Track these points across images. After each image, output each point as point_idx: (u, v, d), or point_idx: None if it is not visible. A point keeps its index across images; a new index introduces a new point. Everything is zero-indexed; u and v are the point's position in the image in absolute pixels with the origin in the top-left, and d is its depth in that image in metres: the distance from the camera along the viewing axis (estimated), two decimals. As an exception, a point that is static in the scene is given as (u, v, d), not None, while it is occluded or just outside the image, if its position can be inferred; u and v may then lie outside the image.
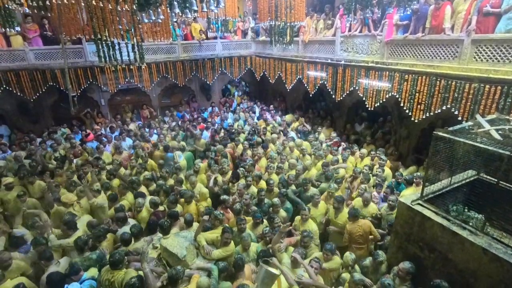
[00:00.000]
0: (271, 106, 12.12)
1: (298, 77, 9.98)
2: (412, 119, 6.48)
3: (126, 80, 10.77)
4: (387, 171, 6.43)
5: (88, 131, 9.47)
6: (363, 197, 5.20)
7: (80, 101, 9.86)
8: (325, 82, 8.82)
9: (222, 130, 9.45)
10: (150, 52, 10.80)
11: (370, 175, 6.28)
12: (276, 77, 11.31)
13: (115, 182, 6.20)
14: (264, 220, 4.81)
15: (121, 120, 10.88)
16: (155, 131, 9.55)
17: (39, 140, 8.94)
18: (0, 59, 9.04)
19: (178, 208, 5.18)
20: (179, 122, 10.37)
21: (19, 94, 9.50)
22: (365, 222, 4.70)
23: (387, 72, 6.79)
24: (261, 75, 12.47)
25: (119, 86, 10.97)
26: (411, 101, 6.40)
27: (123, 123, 10.47)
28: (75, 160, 7.36)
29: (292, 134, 8.93)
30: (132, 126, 10.10)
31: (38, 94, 9.75)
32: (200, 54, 11.91)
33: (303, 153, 7.25)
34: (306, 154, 7.21)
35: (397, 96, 6.73)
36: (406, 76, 6.38)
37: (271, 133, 8.73)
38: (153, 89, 11.75)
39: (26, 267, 3.93)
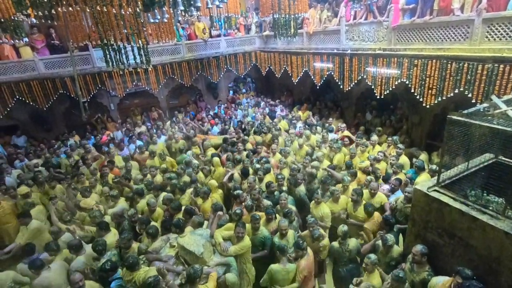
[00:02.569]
0: (277, 101, 12.09)
1: (304, 69, 9.89)
2: (424, 104, 6.34)
3: (134, 83, 10.92)
4: (404, 159, 6.30)
5: (103, 134, 9.67)
6: (370, 186, 5.11)
7: (90, 106, 10.02)
8: (332, 73, 8.71)
9: (232, 127, 9.46)
10: (156, 54, 10.89)
11: (384, 162, 6.21)
12: (282, 71, 11.24)
13: (126, 190, 6.25)
14: (277, 215, 4.83)
15: (131, 124, 11.02)
16: (163, 132, 9.60)
17: (56, 146, 9.19)
18: (11, 70, 9.27)
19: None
20: (186, 123, 10.45)
21: (31, 103, 9.73)
22: (378, 215, 4.68)
23: (396, 59, 6.65)
24: (266, 70, 12.41)
25: (127, 90, 11.10)
26: (422, 86, 6.26)
27: (133, 126, 10.61)
28: (92, 165, 7.49)
29: (299, 126, 8.86)
30: (142, 129, 10.21)
31: (50, 103, 9.97)
32: (204, 53, 11.93)
33: (318, 145, 7.22)
34: (321, 147, 7.17)
35: (407, 82, 6.59)
36: (416, 61, 6.23)
37: (269, 129, 8.63)
38: (160, 91, 11.85)
39: None
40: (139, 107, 12.33)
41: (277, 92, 13.96)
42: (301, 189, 5.55)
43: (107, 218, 5.06)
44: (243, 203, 4.84)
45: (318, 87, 9.96)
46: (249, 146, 7.79)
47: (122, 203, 5.66)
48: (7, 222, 5.61)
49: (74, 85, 9.48)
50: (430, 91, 6.12)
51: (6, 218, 5.63)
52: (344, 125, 8.41)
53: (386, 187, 5.52)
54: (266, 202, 5.03)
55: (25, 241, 4.85)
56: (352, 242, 4.23)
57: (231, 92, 14.41)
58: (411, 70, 6.37)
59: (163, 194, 5.54)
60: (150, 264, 3.76)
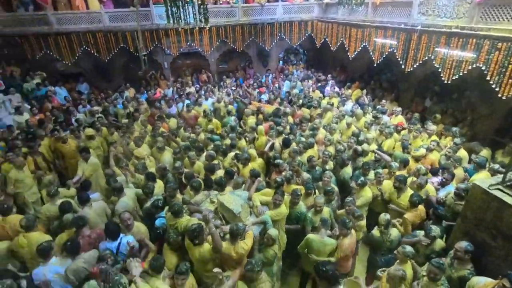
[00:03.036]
0: (329, 76, 11.55)
1: (364, 44, 9.20)
2: (500, 95, 5.60)
3: (188, 43, 11.12)
4: (463, 153, 5.75)
5: (157, 90, 10.19)
6: (417, 182, 4.78)
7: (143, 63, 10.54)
8: (395, 50, 7.99)
9: (279, 98, 9.34)
10: (211, 16, 10.82)
11: (437, 152, 5.77)
12: (338, 44, 10.59)
13: (173, 144, 6.64)
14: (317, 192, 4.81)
15: (181, 83, 11.39)
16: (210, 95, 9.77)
17: (113, 96, 9.91)
18: (80, 20, 9.92)
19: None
20: (233, 87, 10.50)
21: (95, 54, 10.44)
22: (422, 208, 4.42)
23: (474, 39, 5.86)
24: (321, 41, 11.78)
25: (181, 50, 11.37)
26: (502, 74, 5.49)
27: (183, 86, 10.97)
28: (141, 117, 7.99)
29: (350, 105, 8.44)
30: (191, 89, 10.51)
31: (111, 55, 10.60)
32: (260, 18, 11.60)
33: (366, 127, 6.89)
34: (371, 128, 6.84)
35: (483, 68, 5.83)
36: (499, 44, 5.42)
37: (319, 104, 8.34)
38: (212, 54, 11.95)
39: (146, 233, 4.07)
40: (190, 68, 12.63)
41: (329, 66, 13.30)
42: (347, 171, 5.40)
43: (153, 170, 5.47)
44: (283, 173, 4.87)
45: (375, 65, 9.26)
46: (290, 119, 7.69)
47: (168, 156, 6.06)
48: (72, 157, 6.36)
49: (134, 39, 9.92)
50: (510, 80, 5.36)
51: (72, 154, 6.39)
52: (399, 109, 7.80)
53: (435, 179, 5.16)
54: (306, 175, 5.01)
55: (88, 174, 5.53)
56: (394, 232, 4.05)
57: (281, 62, 14.06)
58: (492, 54, 5.59)
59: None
60: (191, 215, 4.03)
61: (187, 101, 9.15)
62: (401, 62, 7.88)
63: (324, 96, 9.86)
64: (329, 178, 4.86)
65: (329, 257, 3.94)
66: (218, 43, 11.57)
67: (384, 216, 4.04)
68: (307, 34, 12.32)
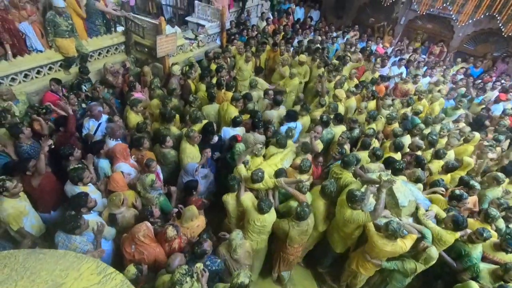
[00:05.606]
0: None
1: None
2: None
3: (444, 4, 9.28)
4: None
5: (381, 44, 9.73)
6: None
7: (376, 10, 9.79)
8: None
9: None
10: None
11: None
12: None
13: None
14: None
15: (405, 47, 9.97)
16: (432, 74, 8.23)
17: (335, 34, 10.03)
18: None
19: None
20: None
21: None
22: None
23: None
24: None
25: (431, 10, 9.70)
26: None
27: (406, 50, 9.64)
28: (350, 64, 7.82)
29: None
30: (412, 57, 9.09)
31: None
32: None
33: None
34: None
35: None
36: None
37: None
38: (464, 27, 9.62)
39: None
40: (426, 34, 10.80)
41: None
42: None
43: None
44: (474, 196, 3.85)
45: None
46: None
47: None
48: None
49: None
50: None
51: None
52: None
53: None
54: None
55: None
56: None
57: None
58: None
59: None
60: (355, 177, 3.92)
61: (403, 69, 8.20)
62: None
63: None
64: None
65: None
66: (481, 17, 9.08)
67: None
68: None
